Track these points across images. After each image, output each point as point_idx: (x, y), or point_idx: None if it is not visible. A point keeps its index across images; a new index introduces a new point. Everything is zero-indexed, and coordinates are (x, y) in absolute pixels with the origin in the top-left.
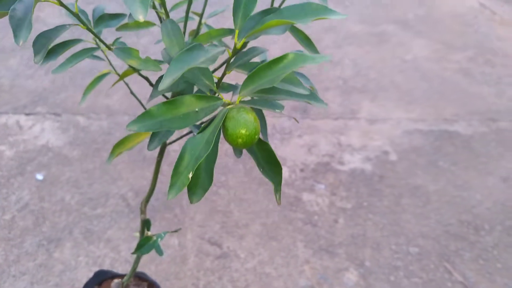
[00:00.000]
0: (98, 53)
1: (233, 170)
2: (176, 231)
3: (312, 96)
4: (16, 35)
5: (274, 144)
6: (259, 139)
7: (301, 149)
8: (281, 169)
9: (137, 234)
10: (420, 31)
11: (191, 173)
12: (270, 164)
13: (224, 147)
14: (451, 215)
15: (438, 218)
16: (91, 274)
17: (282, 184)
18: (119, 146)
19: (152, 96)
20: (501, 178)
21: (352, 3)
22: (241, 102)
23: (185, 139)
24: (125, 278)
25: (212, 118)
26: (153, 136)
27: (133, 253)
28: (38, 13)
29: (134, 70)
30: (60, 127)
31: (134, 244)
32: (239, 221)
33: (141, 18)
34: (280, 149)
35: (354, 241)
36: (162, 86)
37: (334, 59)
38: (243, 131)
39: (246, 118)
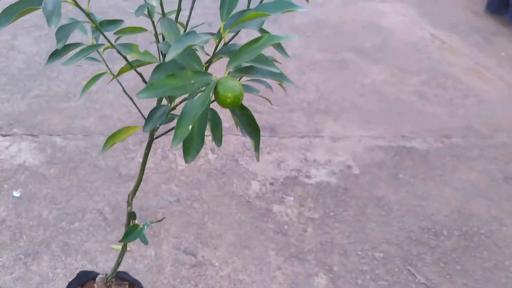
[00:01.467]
0: (94, 55)
1: (206, 185)
2: (160, 220)
3: (282, 75)
4: (49, 21)
5: (245, 160)
6: (241, 104)
7: (271, 164)
8: (259, 131)
9: (115, 246)
10: (377, 58)
11: (190, 126)
12: (250, 126)
13: (198, 163)
14: (412, 223)
15: (401, 225)
16: None
17: (253, 195)
18: (112, 138)
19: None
20: (456, 188)
21: (313, 33)
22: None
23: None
24: (109, 272)
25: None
26: (148, 120)
27: (120, 241)
28: (13, 41)
29: (131, 66)
30: (37, 147)
31: (111, 256)
32: (213, 232)
33: (154, 3)
34: (251, 165)
35: (322, 248)
36: (168, 58)
37: (298, 84)
38: (230, 94)
39: (233, 83)
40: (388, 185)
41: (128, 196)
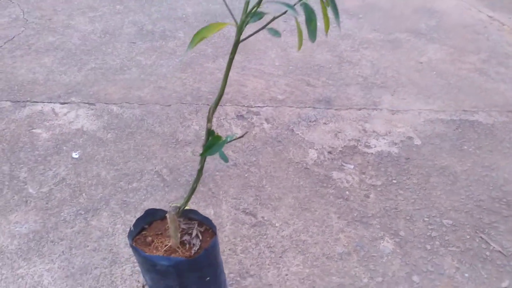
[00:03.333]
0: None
1: (262, 152)
2: (242, 136)
3: None
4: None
5: (301, 130)
6: None
7: (328, 134)
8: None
9: (174, 204)
10: (432, 38)
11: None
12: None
13: (253, 132)
14: (481, 192)
15: (469, 194)
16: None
17: (310, 162)
18: (199, 34)
19: None
20: None
21: (365, 15)
22: None
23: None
24: (183, 201)
25: None
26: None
27: (201, 154)
28: (69, 21)
29: None
30: (94, 114)
31: None
32: (271, 194)
33: None
34: (307, 135)
35: (387, 213)
36: None
37: (352, 60)
38: None
39: None
40: (452, 155)
41: (209, 111)
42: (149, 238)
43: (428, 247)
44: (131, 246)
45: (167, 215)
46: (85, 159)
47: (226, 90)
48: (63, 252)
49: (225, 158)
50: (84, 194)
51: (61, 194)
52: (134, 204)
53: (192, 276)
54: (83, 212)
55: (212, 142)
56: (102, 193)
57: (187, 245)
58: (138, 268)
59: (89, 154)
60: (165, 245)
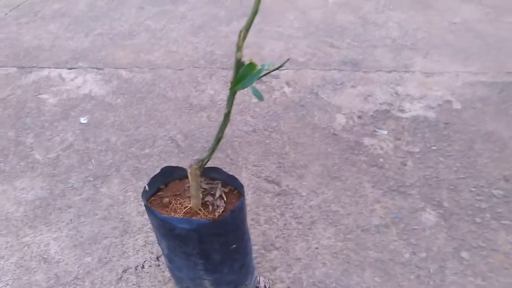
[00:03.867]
0: None
1: (284, 117)
2: (282, 65)
3: None
4: None
5: (326, 94)
6: None
7: (356, 98)
8: None
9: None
10: None
11: None
12: None
13: (273, 96)
14: None
15: None
16: (140, 208)
17: (338, 128)
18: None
19: None
20: None
21: None
22: None
23: None
24: (206, 153)
25: None
26: None
27: (231, 88)
28: None
29: None
30: (103, 79)
31: None
32: (296, 162)
33: None
34: (333, 99)
35: (427, 182)
36: None
37: (377, 22)
38: None
39: None
40: (497, 120)
41: (239, 36)
42: (166, 200)
43: (478, 220)
44: (146, 206)
45: (188, 169)
46: (94, 125)
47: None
48: (71, 220)
49: (259, 95)
50: (93, 160)
51: (69, 160)
52: (146, 170)
53: (215, 243)
54: (92, 179)
55: (245, 73)
56: (112, 159)
57: (210, 207)
58: (152, 239)
59: (97, 120)
60: (185, 207)
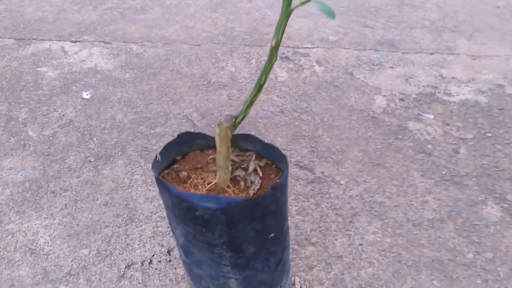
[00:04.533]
0: None
1: (315, 97)
2: None
3: None
4: None
5: (363, 74)
6: None
7: (397, 79)
8: None
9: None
10: None
11: None
12: None
13: (302, 75)
14: None
15: None
16: (149, 194)
17: (378, 111)
18: None
19: None
20: None
21: None
22: None
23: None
24: (242, 109)
25: None
26: None
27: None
28: None
29: None
30: (110, 53)
31: None
32: (331, 146)
33: None
34: (371, 79)
35: (485, 172)
36: None
37: (414, 3)
38: None
39: None
40: None
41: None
42: (184, 173)
43: None
44: (157, 179)
45: (217, 128)
46: (98, 100)
47: (265, 30)
48: (66, 205)
49: (328, 10)
50: (95, 138)
51: (67, 138)
52: (157, 151)
53: (250, 229)
54: (93, 159)
55: None
56: (118, 138)
57: (242, 184)
58: (162, 229)
59: (102, 95)
60: (208, 183)
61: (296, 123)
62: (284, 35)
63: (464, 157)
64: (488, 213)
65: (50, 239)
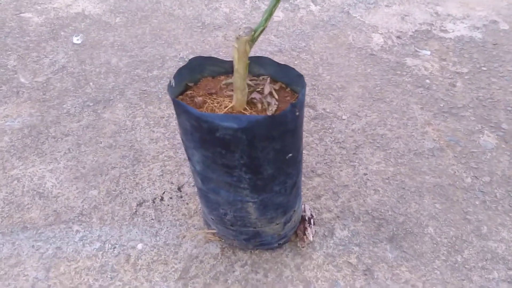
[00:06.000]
0: None
1: (313, 36)
2: None
3: None
4: None
5: (359, 12)
6: None
7: (393, 17)
8: None
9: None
10: None
11: None
12: None
13: (298, 15)
14: None
15: None
16: (153, 135)
17: (376, 48)
18: None
19: None
20: None
21: None
22: None
23: None
24: (261, 20)
25: None
26: None
27: None
28: None
29: None
30: None
31: None
32: (332, 84)
33: None
34: (367, 18)
35: (481, 103)
36: None
37: None
38: None
39: None
40: None
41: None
42: (199, 99)
43: None
44: (174, 101)
45: (235, 44)
46: (90, 45)
47: None
48: (69, 149)
49: None
50: (91, 83)
51: (62, 84)
52: (156, 94)
53: (270, 149)
54: (91, 104)
55: None
56: (115, 82)
57: (259, 106)
58: (170, 168)
59: (94, 40)
60: (225, 107)
61: (296, 62)
62: None
63: (460, 90)
64: (485, 141)
65: (58, 182)
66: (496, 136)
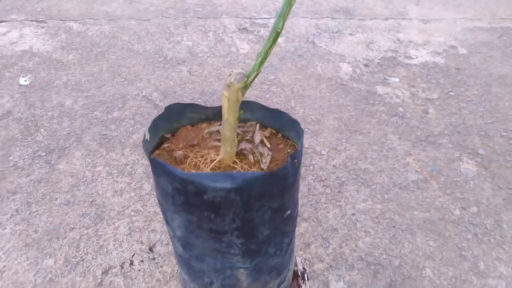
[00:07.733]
0: None
1: (282, 68)
2: None
3: None
4: None
5: (325, 42)
6: None
7: (358, 45)
8: None
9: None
10: None
11: None
12: None
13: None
14: None
15: None
16: (117, 186)
17: (346, 77)
18: None
19: None
20: None
21: None
22: None
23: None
24: (254, 65)
25: None
26: None
27: None
28: None
29: None
30: (47, 33)
31: None
32: (306, 117)
33: None
34: (333, 47)
35: (455, 130)
36: None
37: None
38: None
39: None
40: (506, 64)
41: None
42: (179, 153)
43: None
44: (152, 161)
45: (225, 91)
46: (39, 86)
47: (218, 2)
48: (17, 210)
49: None
50: (42, 130)
51: (7, 132)
52: (118, 138)
53: (267, 208)
54: (43, 154)
55: None
56: (70, 126)
57: (251, 157)
58: (138, 224)
59: (44, 80)
60: (211, 160)
61: (267, 96)
62: (238, 6)
63: (434, 116)
64: (466, 169)
65: (3, 253)
66: (475, 163)
